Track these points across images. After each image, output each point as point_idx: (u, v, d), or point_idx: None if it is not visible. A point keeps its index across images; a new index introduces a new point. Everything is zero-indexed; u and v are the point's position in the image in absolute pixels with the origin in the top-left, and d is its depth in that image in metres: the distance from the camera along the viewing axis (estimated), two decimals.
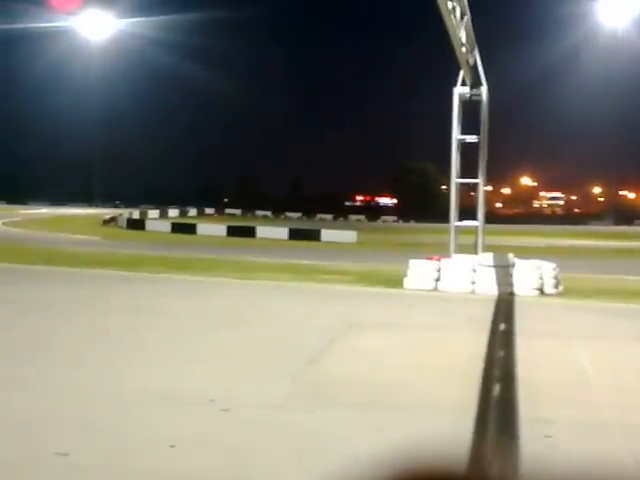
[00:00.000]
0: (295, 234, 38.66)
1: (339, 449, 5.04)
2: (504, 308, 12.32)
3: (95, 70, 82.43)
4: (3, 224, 42.12)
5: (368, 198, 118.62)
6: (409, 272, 14.80)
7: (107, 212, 56.19)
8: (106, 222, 47.58)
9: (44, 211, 66.10)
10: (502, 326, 10.42)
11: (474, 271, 14.39)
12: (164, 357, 7.97)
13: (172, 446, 4.99)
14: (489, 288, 14.09)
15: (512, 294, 13.95)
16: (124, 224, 44.65)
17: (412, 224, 76.24)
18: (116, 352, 8.21)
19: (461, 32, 14.37)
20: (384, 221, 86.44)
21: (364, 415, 5.89)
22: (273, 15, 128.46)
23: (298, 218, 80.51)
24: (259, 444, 5.16)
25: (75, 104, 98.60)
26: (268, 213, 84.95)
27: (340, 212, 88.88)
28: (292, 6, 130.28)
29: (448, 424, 5.60)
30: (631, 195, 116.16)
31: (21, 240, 28.43)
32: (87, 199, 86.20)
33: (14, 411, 5.80)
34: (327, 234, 38.31)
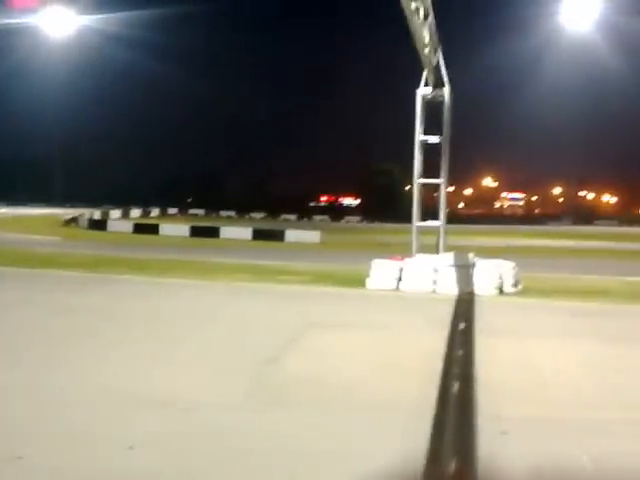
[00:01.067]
0: (259, 234, 38.59)
1: (294, 449, 5.03)
2: (464, 307, 12.43)
3: (56, 67, 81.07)
4: None
5: (332, 198, 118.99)
6: (371, 272, 14.84)
7: (68, 212, 55.23)
8: (67, 222, 46.84)
9: (2, 211, 64.67)
10: (462, 325, 10.49)
11: (435, 271, 14.49)
12: (122, 358, 7.88)
13: (131, 447, 4.95)
14: (450, 288, 14.20)
15: (472, 293, 14.08)
16: (85, 224, 44.05)
17: (376, 224, 76.60)
18: (72, 353, 8.08)
19: (424, 33, 14.45)
20: (348, 221, 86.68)
21: (322, 415, 5.87)
22: (236, 12, 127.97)
23: (262, 218, 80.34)
24: (216, 445, 5.11)
25: (35, 102, 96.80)
26: (232, 213, 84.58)
27: (304, 212, 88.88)
28: (253, 4, 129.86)
29: (405, 423, 5.61)
30: (590, 196, 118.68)
31: None
32: (47, 199, 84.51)
33: None
34: (291, 234, 38.33)
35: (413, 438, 5.14)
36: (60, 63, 78.48)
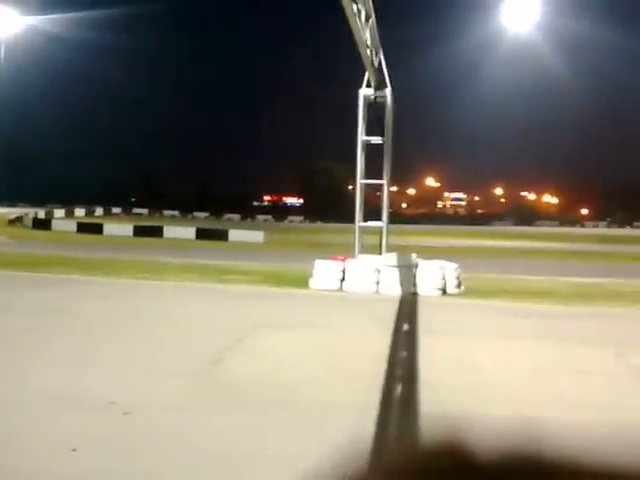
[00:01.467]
0: (202, 234, 38.20)
1: (233, 450, 5.00)
2: (407, 308, 12.52)
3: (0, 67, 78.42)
4: None
5: (275, 198, 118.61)
6: (314, 272, 14.82)
7: (12, 212, 53.61)
8: (11, 222, 45.66)
9: None
10: (405, 326, 10.56)
11: (378, 271, 14.55)
12: (64, 359, 7.70)
13: (74, 450, 4.85)
14: (393, 288, 14.28)
15: (415, 294, 14.20)
16: (30, 224, 43.02)
17: (318, 224, 76.76)
18: (12, 354, 7.83)
19: (366, 34, 14.47)
20: (291, 221, 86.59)
21: (266, 416, 5.82)
22: (182, 11, 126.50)
23: (205, 218, 79.55)
24: (160, 447, 5.01)
25: None
26: (175, 213, 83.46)
27: (248, 212, 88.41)
28: (197, 3, 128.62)
29: (348, 423, 5.59)
30: (531, 196, 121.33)
31: None
32: None
33: None
34: (235, 234, 38.07)
35: (356, 438, 5.12)
36: (4, 62, 76.04)
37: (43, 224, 42.22)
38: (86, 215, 64.28)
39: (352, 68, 16.84)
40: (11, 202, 79.09)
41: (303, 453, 4.95)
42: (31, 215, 46.92)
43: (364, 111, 16.35)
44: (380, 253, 15.84)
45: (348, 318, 11.38)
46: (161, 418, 5.69)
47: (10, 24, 48.40)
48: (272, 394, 6.54)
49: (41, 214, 50.85)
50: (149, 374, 7.10)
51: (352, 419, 5.72)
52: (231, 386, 6.81)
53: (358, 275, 14.55)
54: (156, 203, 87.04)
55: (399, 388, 6.89)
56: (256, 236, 37.55)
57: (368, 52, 15.11)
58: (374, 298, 13.86)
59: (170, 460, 4.81)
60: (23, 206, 69.95)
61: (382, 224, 16.39)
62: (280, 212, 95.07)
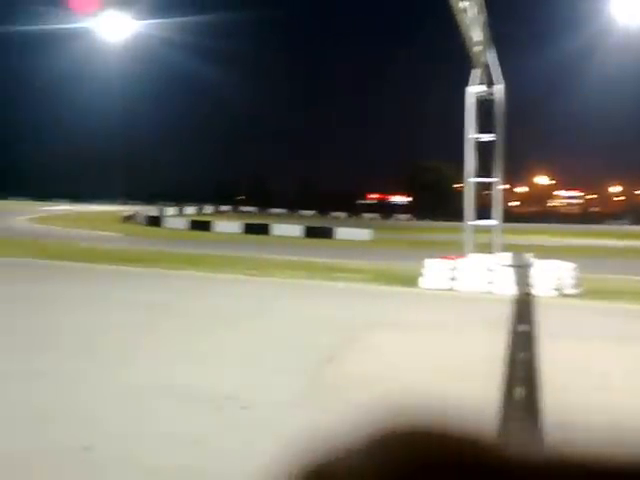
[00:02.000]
0: (310, 232, 38.42)
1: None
2: (522, 309, 12.00)
3: (113, 70, 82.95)
4: (27, 220, 42.30)
5: (382, 196, 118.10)
6: (425, 271, 14.58)
7: (127, 209, 56.31)
8: (126, 219, 47.65)
9: (67, 208, 66.40)
10: (521, 327, 10.12)
11: (491, 271, 14.13)
12: (180, 354, 7.87)
13: (195, 442, 4.94)
14: (506, 288, 13.76)
15: (530, 294, 13.62)
16: (143, 221, 44.68)
17: (426, 222, 75.78)
18: (131, 349, 8.12)
19: (475, 31, 14.11)
20: (398, 219, 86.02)
21: (378, 416, 5.70)
22: (285, 16, 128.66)
23: (312, 216, 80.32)
24: (277, 441, 5.01)
25: (94, 103, 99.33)
26: (282, 211, 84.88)
27: (354, 210, 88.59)
28: (304, 8, 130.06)
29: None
30: None
31: (44, 236, 28.45)
32: (107, 196, 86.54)
33: (36, 405, 5.77)
34: (341, 232, 38.03)
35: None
36: (116, 66, 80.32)
37: (155, 221, 43.57)
38: (196, 213, 66.28)
39: (461, 66, 16.44)
40: (124, 200, 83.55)
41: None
42: (144, 213, 48.53)
43: (473, 109, 15.96)
44: (491, 252, 15.38)
45: (461, 318, 11.09)
46: (277, 414, 5.72)
47: (123, 29, 50.50)
48: (384, 394, 6.43)
49: (154, 212, 52.58)
50: (263, 371, 7.17)
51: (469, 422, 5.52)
52: (344, 385, 6.76)
53: (470, 274, 14.19)
54: (264, 201, 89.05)
55: (518, 391, 6.58)
56: (363, 234, 37.42)
57: (477, 49, 14.73)
58: (487, 298, 13.46)
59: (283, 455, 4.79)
60: (135, 204, 73.12)
61: (494, 222, 15.94)
62: (386, 210, 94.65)
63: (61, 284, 13.63)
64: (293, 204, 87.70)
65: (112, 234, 32.39)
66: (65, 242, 24.65)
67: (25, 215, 46.72)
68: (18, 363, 7.11)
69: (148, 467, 4.54)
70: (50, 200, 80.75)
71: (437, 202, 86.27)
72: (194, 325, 9.73)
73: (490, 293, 13.88)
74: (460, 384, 6.82)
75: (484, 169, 16.32)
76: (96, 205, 75.20)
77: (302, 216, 79.61)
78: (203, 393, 6.23)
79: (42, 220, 42.98)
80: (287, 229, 39.81)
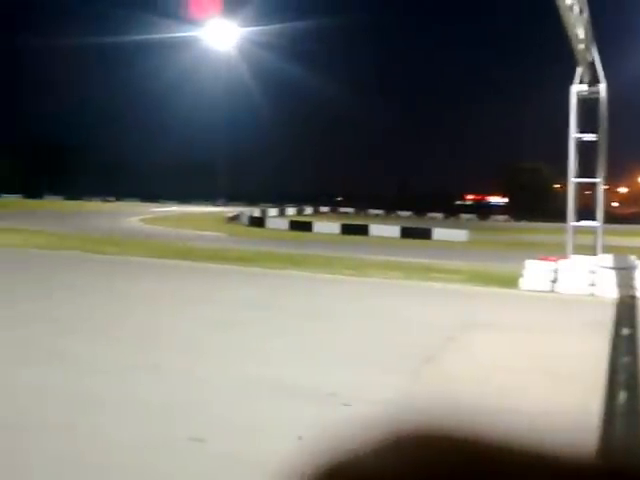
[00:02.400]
0: (407, 232, 38.15)
1: None
2: (626, 312, 11.63)
3: (219, 76, 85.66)
4: (138, 220, 44.37)
5: (479, 197, 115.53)
6: (525, 272, 14.29)
7: (230, 210, 57.83)
8: (230, 219, 48.88)
9: (174, 209, 69.10)
10: (625, 330, 9.82)
11: (593, 273, 13.69)
12: (285, 351, 8.05)
13: (300, 438, 5.06)
14: (609, 291, 13.36)
15: (634, 297, 13.14)
16: (246, 222, 45.67)
17: (524, 224, 73.50)
18: (237, 344, 8.39)
19: (579, 29, 13.74)
20: (495, 220, 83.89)
21: (479, 417, 5.73)
22: (381, 20, 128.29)
23: (408, 217, 79.62)
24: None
25: (200, 109, 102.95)
26: (380, 212, 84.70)
27: (450, 211, 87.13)
28: (405, 12, 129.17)
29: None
30: None
31: (154, 236, 29.80)
32: (211, 197, 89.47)
33: (151, 397, 6.08)
34: (438, 233, 37.56)
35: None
36: (222, 73, 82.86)
37: (258, 222, 44.24)
38: (297, 214, 67.11)
39: (559, 66, 16.02)
40: (227, 202, 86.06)
41: None
42: (247, 213, 49.33)
43: (577, 108, 15.52)
44: (593, 253, 14.88)
45: (562, 320, 10.84)
46: (377, 411, 5.83)
47: (229, 36, 51.71)
48: (483, 396, 6.43)
49: (256, 212, 53.32)
50: (364, 369, 7.24)
51: (570, 428, 5.47)
52: (442, 385, 6.78)
53: (571, 276, 13.79)
54: (361, 202, 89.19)
55: (622, 396, 6.44)
56: (460, 235, 36.82)
57: (581, 47, 14.32)
58: (588, 300, 13.06)
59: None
60: (237, 205, 74.91)
61: (596, 224, 15.39)
62: (483, 211, 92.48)
63: (173, 282, 14.31)
64: (390, 205, 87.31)
65: (217, 234, 33.41)
66: (174, 242, 25.73)
67: (136, 216, 49.00)
68: (136, 357, 7.56)
69: (252, 460, 4.71)
70: (157, 201, 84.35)
71: (535, 203, 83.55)
72: (294, 323, 9.93)
73: (592, 295, 13.46)
74: (560, 386, 6.73)
75: (584, 169, 15.84)
76: (201, 206, 77.89)
77: (399, 217, 79.11)
78: (307, 389, 6.39)
79: (152, 221, 44.90)
80: (384, 230, 39.67)
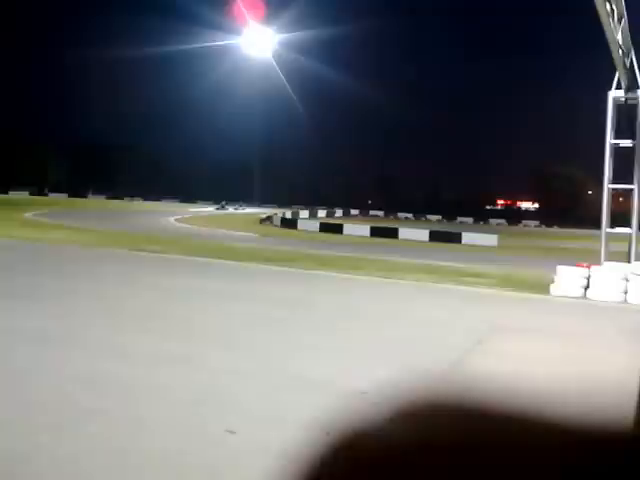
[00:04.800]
0: (436, 236, 37.91)
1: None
2: None
3: (256, 82, 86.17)
4: (175, 220, 44.84)
5: (509, 202, 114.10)
6: (556, 278, 13.88)
7: (264, 212, 58.16)
8: (263, 221, 49.23)
9: (209, 209, 69.83)
10: None
11: (627, 280, 13.22)
12: (317, 349, 7.96)
13: (328, 433, 4.99)
14: None
15: None
16: (278, 223, 45.93)
17: (555, 229, 72.47)
18: (270, 341, 8.31)
19: (618, 34, 13.34)
20: (525, 225, 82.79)
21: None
22: (416, 24, 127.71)
23: (438, 221, 79.10)
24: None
25: (238, 114, 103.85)
26: (409, 215, 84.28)
27: (480, 215, 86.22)
28: (432, 16, 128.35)
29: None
30: None
31: (189, 235, 30.03)
32: (246, 199, 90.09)
33: (184, 389, 6.04)
34: (468, 237, 37.17)
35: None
36: (259, 79, 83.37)
37: (289, 223, 44.56)
38: (327, 216, 67.27)
39: (596, 70, 15.59)
40: (261, 203, 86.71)
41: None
42: (279, 215, 49.74)
43: (613, 114, 15.06)
44: (628, 261, 14.39)
45: (593, 326, 10.47)
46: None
47: (266, 43, 51.93)
48: (511, 400, 6.18)
49: (288, 214, 53.73)
50: (393, 369, 7.08)
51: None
52: (469, 388, 6.56)
53: (604, 283, 13.33)
54: (391, 206, 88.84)
55: None
56: (490, 239, 36.33)
57: (620, 53, 13.90)
58: (622, 307, 12.63)
59: None
60: (270, 207, 75.39)
61: (631, 230, 14.92)
62: (514, 216, 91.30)
63: (209, 280, 14.29)
64: (420, 209, 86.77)
65: (251, 234, 33.57)
66: (208, 241, 25.85)
67: (175, 215, 49.57)
68: (172, 350, 7.49)
69: (282, 453, 4.63)
70: (194, 202, 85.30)
71: (567, 209, 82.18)
72: (327, 322, 9.84)
73: (625, 303, 13.02)
74: (593, 393, 6.43)
75: (618, 175, 15.41)
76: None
77: (428, 220, 78.62)
78: (338, 387, 6.28)
79: (189, 220, 45.39)
80: (414, 233, 39.46)
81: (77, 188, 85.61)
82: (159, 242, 23.01)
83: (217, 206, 73.18)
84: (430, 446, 4.94)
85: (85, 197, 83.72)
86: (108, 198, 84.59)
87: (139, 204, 76.35)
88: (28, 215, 38.83)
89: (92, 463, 4.38)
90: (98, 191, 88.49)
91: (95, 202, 72.84)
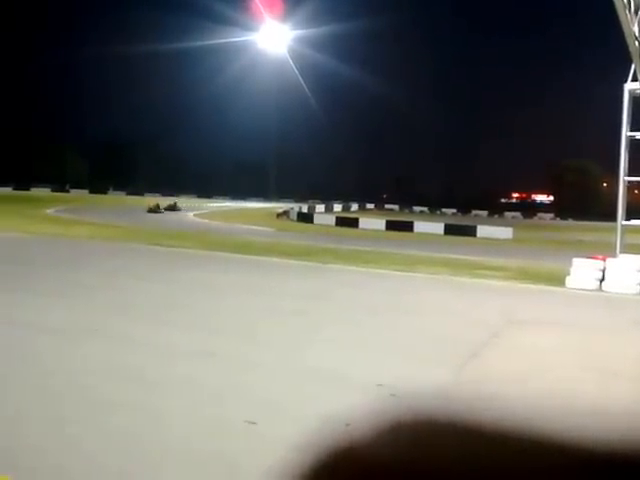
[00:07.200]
0: (451, 229, 37.61)
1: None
2: None
3: (272, 78, 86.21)
4: (193, 215, 44.99)
5: (524, 195, 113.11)
6: (572, 271, 13.78)
7: (280, 206, 58.18)
8: (279, 215, 49.17)
9: (228, 204, 70.03)
10: None
11: None
12: (336, 342, 7.97)
13: (347, 425, 4.92)
14: None
15: None
16: (295, 217, 45.83)
17: (570, 222, 71.73)
18: (288, 333, 8.35)
19: (634, 26, 13.18)
20: (540, 218, 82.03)
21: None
22: (428, 18, 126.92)
23: (453, 214, 78.59)
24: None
25: (255, 110, 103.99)
26: (424, 209, 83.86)
27: (495, 209, 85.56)
28: (451, 13, 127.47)
29: (616, 429, 5.02)
30: None
31: (207, 230, 30.13)
32: (263, 194, 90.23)
33: (206, 380, 6.10)
34: (483, 230, 36.82)
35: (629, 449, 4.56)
36: (275, 75, 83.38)
37: (306, 217, 44.33)
38: (343, 210, 67.03)
39: (612, 63, 15.40)
40: (277, 198, 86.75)
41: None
42: (296, 209, 49.47)
43: (629, 106, 14.87)
44: None
45: (609, 318, 10.40)
46: (422, 403, 5.66)
47: (282, 39, 51.86)
48: (527, 392, 6.15)
49: (304, 209, 53.34)
50: (410, 361, 7.11)
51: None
52: (488, 380, 6.55)
53: (620, 275, 13.23)
54: (406, 199, 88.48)
55: None
56: (505, 232, 35.99)
57: (636, 45, 13.72)
58: (637, 299, 12.52)
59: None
60: (287, 201, 75.33)
61: None
62: (529, 209, 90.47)
63: (227, 273, 14.35)
64: (435, 202, 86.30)
65: (268, 229, 33.60)
66: (229, 236, 25.93)
67: (193, 211, 49.74)
68: (192, 342, 7.55)
69: (301, 443, 4.62)
70: (213, 197, 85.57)
71: (582, 201, 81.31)
72: (345, 315, 9.85)
73: None
74: (609, 385, 6.38)
75: (634, 168, 15.23)
76: (253, 202, 78.62)
77: (443, 214, 78.15)
78: (356, 379, 6.30)
79: (207, 215, 45.51)
80: (429, 227, 39.20)
81: (98, 185, 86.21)
82: (177, 237, 23.13)
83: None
84: (433, 438, 4.92)
85: (105, 193, 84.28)
86: (128, 194, 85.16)
87: (159, 199, 76.69)
88: (50, 211, 39.17)
89: (116, 454, 4.43)
90: (118, 187, 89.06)
91: (115, 198, 73.29)
